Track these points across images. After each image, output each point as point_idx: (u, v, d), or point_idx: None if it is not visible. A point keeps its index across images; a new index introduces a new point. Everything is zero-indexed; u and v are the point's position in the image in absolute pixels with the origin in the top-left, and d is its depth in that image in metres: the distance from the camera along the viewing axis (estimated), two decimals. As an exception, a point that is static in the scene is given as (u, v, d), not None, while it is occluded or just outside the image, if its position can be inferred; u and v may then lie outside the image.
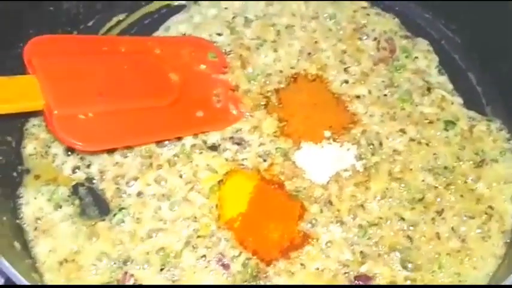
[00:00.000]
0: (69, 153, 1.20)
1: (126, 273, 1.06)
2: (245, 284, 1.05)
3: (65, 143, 1.08)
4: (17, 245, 1.05)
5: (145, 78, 1.17)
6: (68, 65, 1.07)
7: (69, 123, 1.03)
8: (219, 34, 1.37)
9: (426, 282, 1.04)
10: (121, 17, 1.43)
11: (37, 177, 1.18)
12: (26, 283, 0.88)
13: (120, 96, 1.12)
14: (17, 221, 1.12)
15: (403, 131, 1.21)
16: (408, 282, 1.04)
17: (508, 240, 1.07)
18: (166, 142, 1.20)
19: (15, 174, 1.17)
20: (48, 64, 1.04)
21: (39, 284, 0.97)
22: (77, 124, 1.04)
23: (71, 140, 1.03)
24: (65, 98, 1.03)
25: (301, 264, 1.07)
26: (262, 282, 1.05)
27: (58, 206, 1.14)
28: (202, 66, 1.28)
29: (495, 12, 1.23)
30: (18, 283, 0.87)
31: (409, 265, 1.05)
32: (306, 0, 1.40)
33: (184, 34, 1.37)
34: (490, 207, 1.11)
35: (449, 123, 1.22)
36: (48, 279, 1.05)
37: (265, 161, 1.19)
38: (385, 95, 1.26)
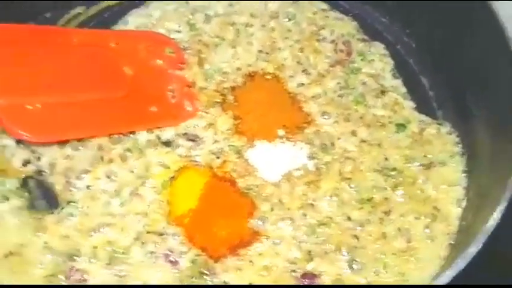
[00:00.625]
0: (21, 145, 1.17)
1: (73, 267, 1.05)
2: (193, 280, 1.05)
3: (12, 134, 1.06)
4: (-42, 237, 1.03)
5: (98, 71, 1.17)
6: (15, 55, 1.06)
7: (15, 113, 1.01)
8: (178, 31, 1.37)
9: (370, 281, 1.05)
10: (80, 9, 1.41)
11: (-15, 168, 1.16)
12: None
13: (70, 87, 1.11)
14: (-38, 213, 1.09)
15: (355, 133, 1.22)
16: (352, 282, 1.05)
17: (453, 242, 1.09)
18: (119, 136, 1.19)
19: (-38, 165, 1.15)
20: None
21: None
22: (24, 115, 1.02)
23: (17, 131, 1.01)
24: (10, 87, 1.01)
25: (250, 261, 1.07)
26: (209, 279, 1.05)
27: (5, 198, 1.12)
28: (159, 61, 1.28)
29: (449, 18, 1.26)
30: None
31: (354, 265, 1.07)
32: (268, 0, 1.41)
33: (143, 28, 1.37)
34: (437, 208, 1.14)
35: (401, 126, 1.24)
36: (-9, 272, 1.03)
37: (218, 158, 1.19)
38: (340, 96, 1.28)
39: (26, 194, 1.14)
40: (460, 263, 0.88)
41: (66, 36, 1.18)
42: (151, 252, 1.07)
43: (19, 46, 1.08)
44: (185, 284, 1.04)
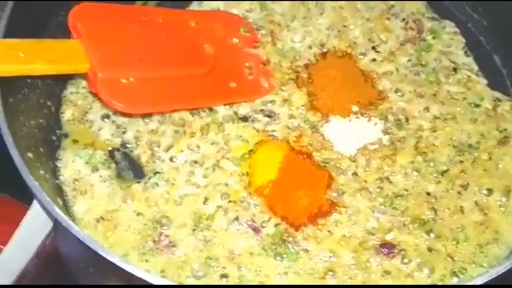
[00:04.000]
0: (106, 120, 1.24)
1: (161, 233, 1.11)
2: (275, 247, 1.09)
3: (106, 104, 1.12)
4: (59, 201, 1.10)
5: (182, 48, 1.22)
6: (110, 31, 1.12)
7: (111, 86, 1.07)
8: (250, 11, 1.41)
9: (448, 251, 1.08)
10: (156, -10, 1.47)
11: (75, 141, 1.22)
12: (76, 228, 0.92)
13: (158, 63, 1.16)
14: (57, 181, 1.17)
15: (428, 109, 1.24)
16: (433, 252, 1.08)
17: (530, 216, 1.11)
18: (199, 111, 1.24)
19: (54, 138, 1.22)
20: (92, 29, 1.08)
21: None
22: (118, 87, 1.08)
23: (113, 101, 1.07)
24: (108, 62, 1.07)
25: (329, 231, 1.11)
26: (290, 246, 1.09)
27: (95, 169, 1.19)
28: (235, 40, 1.32)
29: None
30: (68, 228, 0.92)
31: (432, 235, 1.09)
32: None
33: (217, 9, 1.41)
34: (513, 183, 1.15)
35: (474, 103, 1.25)
36: (86, 235, 1.09)
37: (294, 132, 1.22)
38: (412, 73, 1.30)
39: (113, 165, 1.20)
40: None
41: (152, 14, 1.24)
42: (235, 220, 1.11)
43: (114, 24, 1.14)
44: (268, 250, 1.09)
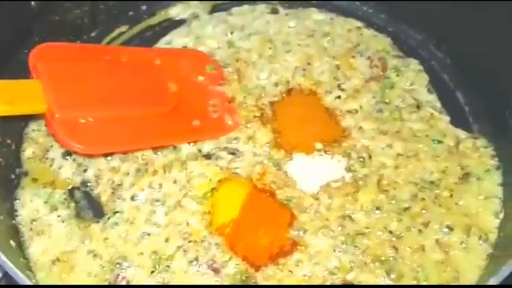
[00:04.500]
0: (67, 157, 1.23)
1: (118, 275, 1.08)
2: None
3: (65, 146, 1.11)
4: (12, 243, 1.07)
5: (145, 87, 1.21)
6: (71, 71, 1.11)
7: (69, 126, 1.06)
8: (218, 48, 1.41)
9: (411, 291, 1.07)
10: (123, 29, 1.48)
11: (34, 180, 1.21)
12: (23, 278, 0.90)
13: (120, 102, 1.15)
14: (13, 222, 1.14)
15: (391, 146, 1.24)
16: (393, 291, 1.07)
17: (491, 251, 1.10)
18: (162, 148, 1.23)
19: (13, 176, 1.20)
20: (52, 69, 1.08)
21: (32, 282, 0.99)
22: (77, 128, 1.07)
23: (71, 143, 1.06)
24: (67, 102, 1.07)
25: (289, 271, 1.09)
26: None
27: (54, 208, 1.17)
28: (201, 78, 1.32)
29: (484, 36, 1.28)
30: (14, 277, 0.90)
31: (393, 275, 1.08)
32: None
33: (185, 47, 1.42)
34: (474, 220, 1.14)
35: (437, 140, 1.25)
36: (40, 278, 1.07)
37: (258, 170, 1.22)
38: (376, 111, 1.30)
39: (73, 204, 1.19)
40: (494, 280, 0.89)
41: (116, 54, 1.24)
42: (195, 260, 1.10)
43: (75, 64, 1.14)
44: (227, 291, 1.07)
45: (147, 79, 1.23)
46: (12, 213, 1.15)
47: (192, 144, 1.25)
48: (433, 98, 1.34)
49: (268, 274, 1.09)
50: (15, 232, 1.12)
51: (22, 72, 1.15)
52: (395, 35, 1.45)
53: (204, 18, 1.49)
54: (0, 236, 1.01)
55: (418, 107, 1.31)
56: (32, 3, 1.22)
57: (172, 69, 1.29)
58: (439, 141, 1.25)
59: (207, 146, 1.25)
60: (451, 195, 1.18)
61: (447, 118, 1.31)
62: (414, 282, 1.08)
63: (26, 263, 1.08)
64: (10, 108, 1.02)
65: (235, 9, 1.49)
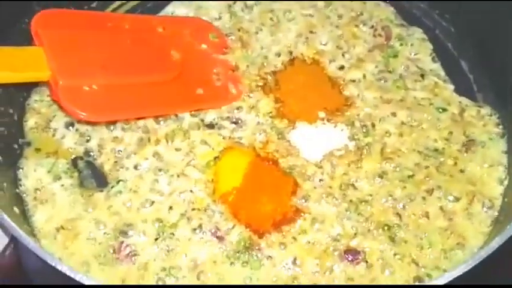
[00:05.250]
0: (70, 127, 1.23)
1: (122, 242, 1.09)
2: (238, 255, 1.08)
3: (69, 113, 1.11)
4: (16, 210, 1.08)
5: (148, 55, 1.21)
6: (73, 39, 1.10)
7: (73, 93, 1.06)
8: (219, 18, 1.40)
9: (413, 257, 1.07)
10: (124, -1, 1.46)
11: (37, 150, 1.21)
12: (31, 242, 0.90)
13: (123, 70, 1.15)
14: (17, 190, 1.14)
15: (395, 114, 1.24)
16: (397, 257, 1.07)
17: (495, 217, 1.10)
18: (165, 118, 1.23)
19: (16, 146, 1.20)
20: (54, 36, 1.07)
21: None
22: (81, 95, 1.07)
23: (75, 110, 1.05)
24: (70, 69, 1.06)
25: (293, 238, 1.10)
26: (254, 254, 1.08)
27: (57, 178, 1.17)
28: (204, 46, 1.32)
29: (488, 3, 1.26)
30: (22, 241, 0.90)
31: (397, 241, 1.08)
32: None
33: (187, 15, 1.41)
34: (479, 188, 1.14)
35: (441, 108, 1.25)
36: (44, 245, 1.07)
37: (260, 139, 1.21)
38: (379, 80, 1.30)
39: (76, 173, 1.18)
40: (499, 240, 0.89)
41: (118, 21, 1.23)
42: (199, 228, 1.10)
43: (77, 31, 1.13)
44: (232, 258, 1.07)
45: (149, 46, 1.22)
46: (15, 182, 1.15)
47: (194, 113, 1.25)
48: (437, 66, 1.33)
49: (272, 241, 1.09)
50: (18, 200, 1.12)
51: (24, 41, 1.15)
52: (399, 3, 1.44)
53: (205, -12, 1.47)
54: (4, 203, 1.01)
55: (422, 75, 1.31)
56: (33, -29, 1.20)
57: (175, 37, 1.28)
58: (443, 110, 1.25)
59: (210, 116, 1.25)
60: (455, 163, 1.17)
61: (451, 87, 1.30)
62: (418, 249, 1.08)
63: (30, 230, 1.08)
64: (14, 75, 1.01)
65: (237, -21, 1.47)
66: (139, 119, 1.22)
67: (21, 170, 1.17)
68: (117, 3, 1.45)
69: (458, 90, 1.29)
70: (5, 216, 0.92)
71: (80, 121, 1.21)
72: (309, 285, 1.05)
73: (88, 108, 1.07)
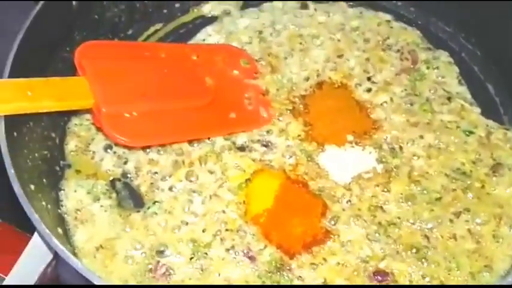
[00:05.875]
0: (108, 150, 1.28)
1: (158, 261, 1.13)
2: (270, 275, 1.11)
3: (111, 138, 1.16)
4: (59, 230, 1.13)
5: (183, 82, 1.26)
6: (114, 68, 1.16)
7: (115, 120, 1.12)
8: (249, 43, 1.45)
9: (441, 279, 1.09)
10: (158, 26, 1.52)
11: (78, 172, 1.26)
12: (74, 259, 0.95)
13: (160, 97, 1.20)
14: (59, 211, 1.20)
15: (422, 137, 1.26)
16: (426, 280, 1.09)
17: (523, 242, 1.12)
18: (197, 142, 1.27)
19: (57, 168, 1.26)
20: (96, 66, 1.13)
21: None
22: (122, 122, 1.12)
23: (116, 136, 1.11)
24: (112, 97, 1.12)
25: (323, 259, 1.13)
26: (285, 274, 1.11)
27: (96, 199, 1.22)
28: (235, 72, 1.37)
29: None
30: (66, 259, 0.95)
31: (425, 263, 1.10)
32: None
33: (217, 42, 1.46)
34: (506, 210, 1.16)
35: (468, 131, 1.27)
36: (85, 264, 1.12)
37: (290, 161, 1.25)
38: (407, 103, 1.33)
39: (114, 194, 1.24)
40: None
41: (154, 50, 1.29)
42: (232, 248, 1.14)
43: (118, 60, 1.19)
44: (263, 278, 1.11)
45: (185, 74, 1.27)
46: (57, 202, 1.21)
47: (226, 137, 1.29)
48: (463, 89, 1.36)
49: (302, 262, 1.12)
50: (61, 221, 1.18)
51: (65, 69, 1.22)
52: (425, 27, 1.47)
53: (235, 14, 1.52)
54: (49, 223, 1.06)
55: (449, 98, 1.33)
56: (73, 2, 1.27)
57: (208, 63, 1.33)
58: (470, 132, 1.27)
59: (241, 139, 1.29)
60: (483, 186, 1.19)
61: (478, 110, 1.32)
62: (446, 271, 1.10)
63: (72, 250, 1.14)
64: (60, 104, 1.07)
65: (266, 5, 1.52)
66: (174, 142, 1.27)
67: (62, 191, 1.23)
68: (152, 29, 1.52)
69: (485, 113, 1.31)
70: (53, 238, 0.97)
71: (117, 144, 1.26)
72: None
73: (129, 134, 1.13)
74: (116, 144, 1.27)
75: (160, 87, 1.21)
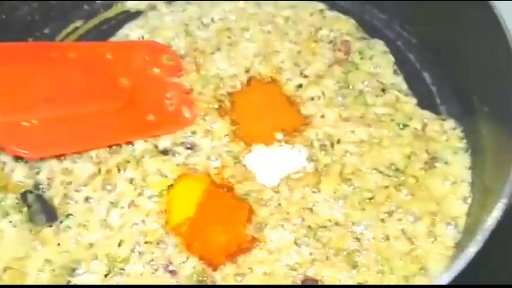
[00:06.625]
0: (19, 160, 1.18)
1: (69, 281, 1.04)
2: (191, 289, 1.03)
3: (9, 152, 1.07)
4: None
5: (94, 83, 1.17)
6: (10, 73, 1.06)
7: (12, 131, 1.01)
8: (174, 38, 1.36)
9: (374, 283, 1.02)
10: (78, 23, 1.43)
11: (-14, 185, 1.16)
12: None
13: (66, 101, 1.11)
14: (-38, 229, 1.10)
15: (354, 133, 1.19)
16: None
17: (459, 239, 1.05)
18: (116, 147, 1.18)
19: (-38, 183, 1.16)
20: None
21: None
22: (20, 132, 1.02)
23: (15, 149, 1.01)
24: (5, 106, 1.02)
25: (249, 268, 1.05)
26: (208, 288, 1.03)
27: (6, 214, 1.12)
28: (156, 70, 1.27)
29: (449, 13, 1.22)
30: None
31: (356, 267, 1.03)
32: (261, 0, 1.39)
33: (142, 38, 1.37)
34: (442, 207, 1.10)
35: (402, 124, 1.20)
36: (-10, 288, 1.03)
37: (216, 164, 1.17)
38: (339, 96, 1.25)
39: (25, 208, 1.14)
40: (461, 263, 0.84)
41: (62, 50, 1.18)
42: (150, 262, 1.05)
43: (14, 64, 1.08)
44: (183, 293, 1.02)
45: (95, 75, 1.18)
46: (-40, 222, 1.11)
47: (147, 140, 1.20)
48: (399, 80, 1.29)
49: (227, 273, 1.05)
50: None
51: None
52: (360, 16, 1.40)
53: (161, 8, 1.43)
54: None
55: (383, 90, 1.26)
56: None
57: (125, 62, 1.24)
58: (405, 125, 1.20)
59: (163, 142, 1.21)
60: (417, 182, 1.13)
61: (414, 100, 1.26)
62: (379, 275, 1.03)
63: (-27, 274, 1.04)
64: None
65: (193, -2, 1.43)
66: (88, 149, 1.17)
67: (-33, 207, 1.13)
68: (71, 27, 1.42)
69: (421, 104, 1.25)
70: None
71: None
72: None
73: (30, 146, 1.03)
74: (24, 156, 1.16)
75: (67, 90, 1.11)
